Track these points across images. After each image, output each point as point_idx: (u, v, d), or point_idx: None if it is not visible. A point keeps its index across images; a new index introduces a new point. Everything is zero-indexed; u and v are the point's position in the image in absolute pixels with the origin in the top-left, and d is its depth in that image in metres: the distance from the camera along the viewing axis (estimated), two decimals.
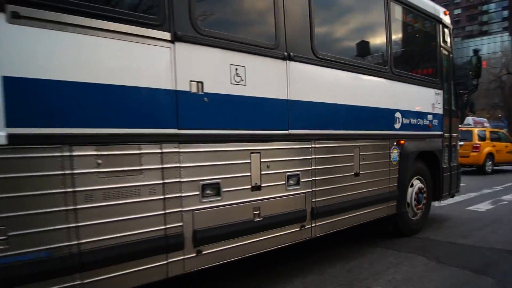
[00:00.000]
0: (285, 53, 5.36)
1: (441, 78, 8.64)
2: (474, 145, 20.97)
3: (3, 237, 3.52)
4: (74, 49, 3.77)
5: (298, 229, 5.69)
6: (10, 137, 3.48)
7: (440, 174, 8.66)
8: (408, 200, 7.91)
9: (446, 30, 8.89)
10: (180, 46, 4.39)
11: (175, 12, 4.36)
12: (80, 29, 3.79)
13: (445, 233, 8.31)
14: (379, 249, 7.31)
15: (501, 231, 8.55)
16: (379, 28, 7.01)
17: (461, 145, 19.44)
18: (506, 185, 15.76)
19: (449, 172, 9.02)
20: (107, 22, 3.92)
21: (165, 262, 4.40)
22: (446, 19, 8.91)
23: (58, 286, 3.76)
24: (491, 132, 22.29)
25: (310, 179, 5.79)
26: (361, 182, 6.64)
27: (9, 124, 3.47)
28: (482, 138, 21.43)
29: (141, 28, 4.12)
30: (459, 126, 9.78)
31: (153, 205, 4.29)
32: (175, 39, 4.36)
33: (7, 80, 3.46)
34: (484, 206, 11.29)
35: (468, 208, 10.91)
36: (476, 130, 21.57)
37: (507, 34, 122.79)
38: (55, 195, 3.72)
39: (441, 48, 8.74)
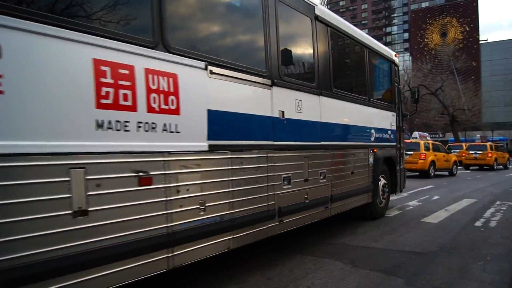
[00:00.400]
0: (319, 91, 8.08)
1: (394, 103, 12.06)
2: (421, 154, 26.01)
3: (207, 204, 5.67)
4: (231, 91, 6.04)
5: (323, 209, 8.22)
6: (209, 146, 5.64)
7: (395, 174, 11.97)
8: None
9: (396, 68, 12.31)
10: (274, 89, 6.86)
11: (273, 68, 6.85)
12: (236, 80, 6.14)
13: (359, 238, 8.88)
14: (298, 255, 7.67)
15: (408, 234, 9.21)
16: (362, 70, 10.28)
17: (410, 154, 25.87)
18: (413, 191, 16.67)
19: (400, 173, 12.39)
20: (245, 74, 6.30)
21: (266, 227, 6.66)
22: (396, 60, 12.37)
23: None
24: (432, 144, 27.41)
25: (330, 175, 8.39)
26: (355, 178, 9.54)
27: (208, 138, 5.62)
28: (426, 148, 26.46)
29: (259, 78, 6.56)
30: (407, 139, 14.70)
31: (263, 189, 6.59)
32: (272, 84, 6.81)
33: (209, 112, 5.63)
34: (393, 212, 12.07)
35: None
36: (422, 142, 26.71)
37: (408, 54, 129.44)
38: (226, 181, 5.95)
39: (394, 81, 12.15)
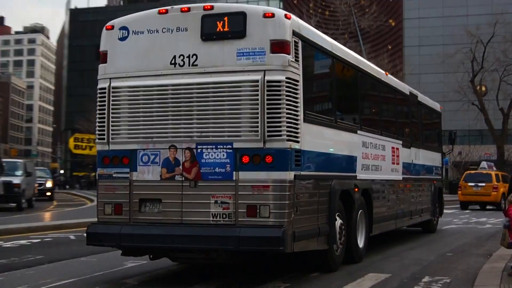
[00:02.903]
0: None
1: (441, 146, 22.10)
2: (494, 186, 28.23)
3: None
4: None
5: (413, 217, 17.14)
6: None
7: (442, 200, 21.83)
8: None
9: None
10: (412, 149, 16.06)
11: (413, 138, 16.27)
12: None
13: None
14: None
15: None
16: (435, 131, 21.31)
17: (482, 186, 29.03)
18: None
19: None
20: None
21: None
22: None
23: None
24: (502, 175, 28.76)
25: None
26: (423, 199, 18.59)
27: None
28: (497, 180, 28.19)
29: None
30: (474, 169, 24.62)
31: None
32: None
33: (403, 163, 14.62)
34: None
35: None
36: (493, 173, 28.61)
37: None
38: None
39: (441, 130, 22.55)
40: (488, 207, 31.85)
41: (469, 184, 31.64)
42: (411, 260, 12.75)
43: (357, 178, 12.01)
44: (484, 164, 34.10)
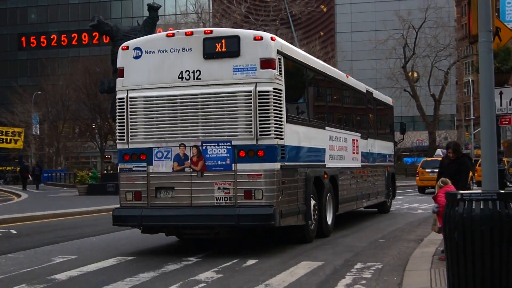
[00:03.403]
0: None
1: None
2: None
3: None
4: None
5: (373, 198, 20.46)
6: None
7: (395, 185, 24.46)
8: None
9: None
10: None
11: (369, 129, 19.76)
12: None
13: None
14: None
15: None
16: (388, 124, 24.38)
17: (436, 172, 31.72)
18: None
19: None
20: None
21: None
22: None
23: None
24: None
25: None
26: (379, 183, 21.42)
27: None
28: None
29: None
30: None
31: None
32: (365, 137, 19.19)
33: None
34: None
35: None
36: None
37: None
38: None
39: (392, 121, 25.25)
40: None
41: (426, 170, 36.07)
42: (344, 247, 12.91)
43: (326, 166, 14.79)
44: (439, 151, 38.86)
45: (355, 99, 18.96)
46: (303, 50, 17.17)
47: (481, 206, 6.29)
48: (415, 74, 65.61)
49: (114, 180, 33.69)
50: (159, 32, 27.15)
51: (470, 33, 8.37)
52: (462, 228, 6.31)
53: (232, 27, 47.02)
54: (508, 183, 23.41)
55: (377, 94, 21.64)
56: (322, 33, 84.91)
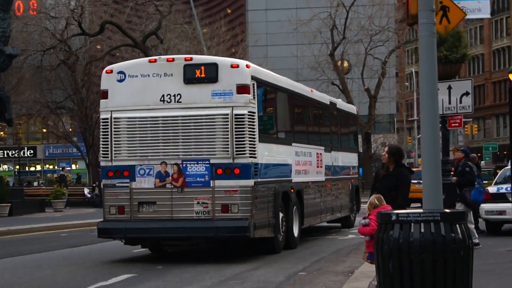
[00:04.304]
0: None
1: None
2: None
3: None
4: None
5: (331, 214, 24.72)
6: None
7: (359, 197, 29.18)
8: None
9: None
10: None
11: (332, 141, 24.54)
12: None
13: None
14: None
15: None
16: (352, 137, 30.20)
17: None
18: None
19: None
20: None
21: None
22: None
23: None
24: None
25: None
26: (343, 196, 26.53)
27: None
28: None
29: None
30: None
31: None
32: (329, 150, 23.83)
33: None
34: None
35: None
36: None
37: None
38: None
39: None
40: None
41: (412, 181, 36.80)
42: (255, 283, 13.03)
43: (292, 181, 19.14)
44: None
45: (319, 112, 24.12)
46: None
47: (422, 230, 6.39)
48: (346, 64, 66.68)
49: None
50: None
51: (408, 12, 8.55)
52: (398, 257, 6.41)
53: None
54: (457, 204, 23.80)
55: (341, 104, 27.03)
56: (229, 11, 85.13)
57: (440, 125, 21.50)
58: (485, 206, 20.65)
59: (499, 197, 20.90)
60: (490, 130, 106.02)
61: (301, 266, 15.38)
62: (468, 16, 16.18)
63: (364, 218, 10.26)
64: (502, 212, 20.45)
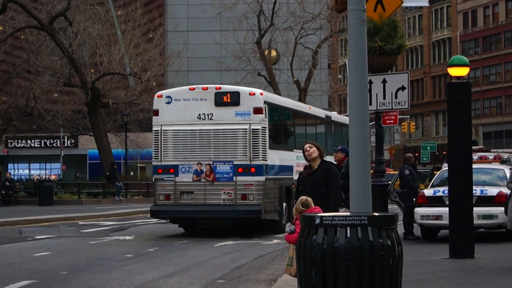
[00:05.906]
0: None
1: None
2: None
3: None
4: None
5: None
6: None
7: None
8: None
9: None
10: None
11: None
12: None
13: None
14: None
15: None
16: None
17: None
18: None
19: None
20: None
21: None
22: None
23: None
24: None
25: None
26: None
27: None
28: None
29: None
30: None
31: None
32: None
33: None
34: None
35: None
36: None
37: None
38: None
39: None
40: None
41: None
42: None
43: (293, 179, 25.78)
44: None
45: (316, 123, 33.89)
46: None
47: (348, 235, 6.42)
48: (273, 53, 66.78)
49: None
50: None
51: None
52: (322, 264, 6.44)
53: None
54: (393, 202, 24.09)
55: (335, 117, 38.15)
56: None
57: (374, 122, 22.10)
58: (420, 210, 20.97)
59: (436, 201, 20.84)
60: (429, 128, 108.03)
61: (219, 274, 15.40)
62: (405, 4, 16.32)
63: (290, 224, 10.20)
64: (438, 217, 20.23)
